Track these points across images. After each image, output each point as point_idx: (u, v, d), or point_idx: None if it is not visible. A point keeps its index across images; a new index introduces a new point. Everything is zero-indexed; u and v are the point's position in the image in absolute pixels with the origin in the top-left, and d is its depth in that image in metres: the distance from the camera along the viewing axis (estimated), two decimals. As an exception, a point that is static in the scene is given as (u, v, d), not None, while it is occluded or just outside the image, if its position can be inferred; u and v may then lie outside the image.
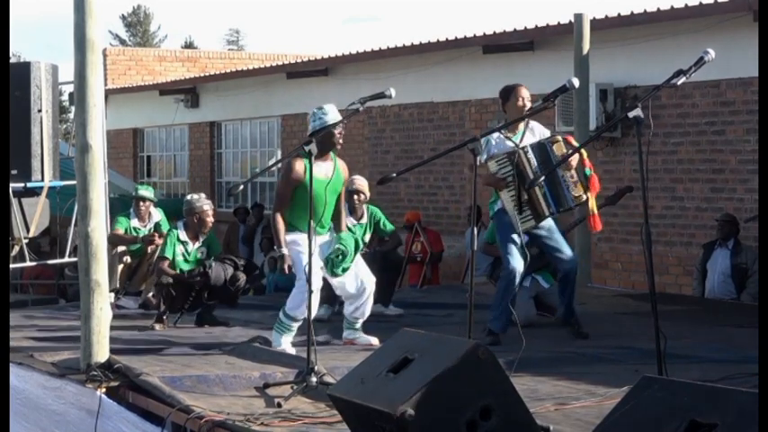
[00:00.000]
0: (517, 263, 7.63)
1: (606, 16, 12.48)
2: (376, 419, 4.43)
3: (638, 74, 12.47)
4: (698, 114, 12.00)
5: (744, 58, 10.61)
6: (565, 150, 7.62)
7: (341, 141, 7.35)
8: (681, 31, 11.78)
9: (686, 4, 11.70)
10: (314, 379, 5.92)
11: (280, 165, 18.41)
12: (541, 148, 7.62)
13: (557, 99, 6.86)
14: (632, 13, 12.24)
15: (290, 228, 7.28)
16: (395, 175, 7.06)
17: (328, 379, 5.91)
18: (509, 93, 7.74)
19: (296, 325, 7.30)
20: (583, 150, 7.69)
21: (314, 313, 7.02)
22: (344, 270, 7.36)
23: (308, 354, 6.01)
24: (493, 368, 4.45)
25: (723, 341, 7.82)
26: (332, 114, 7.21)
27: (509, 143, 7.71)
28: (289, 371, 6.41)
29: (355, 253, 7.47)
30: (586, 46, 10.96)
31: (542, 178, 7.20)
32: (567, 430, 5.08)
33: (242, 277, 8.90)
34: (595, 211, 7.88)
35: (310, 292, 6.39)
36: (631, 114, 5.36)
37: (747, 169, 11.37)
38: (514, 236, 7.66)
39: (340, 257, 7.33)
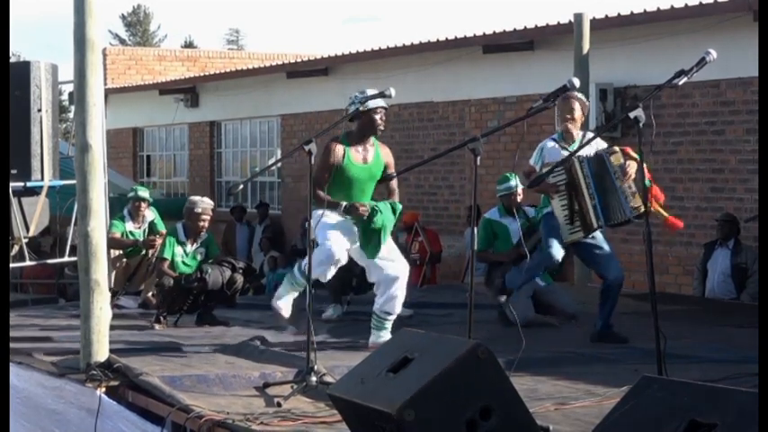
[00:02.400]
0: (556, 253, 7.68)
1: (606, 16, 12.48)
2: (376, 419, 4.43)
3: (638, 74, 12.47)
4: (698, 114, 12.00)
5: (744, 58, 10.61)
6: (622, 161, 7.61)
7: (382, 127, 7.16)
8: (681, 31, 11.78)
9: (686, 4, 11.70)
10: (314, 378, 5.92)
11: (279, 164, 18.55)
12: (599, 160, 7.62)
13: (557, 99, 6.85)
14: (632, 13, 12.24)
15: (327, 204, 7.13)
16: (395, 174, 7.07)
17: (328, 379, 5.91)
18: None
19: (302, 283, 7.12)
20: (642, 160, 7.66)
21: (328, 273, 7.05)
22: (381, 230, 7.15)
23: (308, 353, 6.01)
24: (493, 368, 4.45)
25: (723, 341, 7.82)
26: (375, 99, 7.07)
27: (564, 152, 7.70)
28: (289, 370, 6.41)
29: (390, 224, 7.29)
30: (586, 46, 10.96)
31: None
32: (567, 430, 5.08)
33: (239, 279, 8.90)
34: (667, 215, 7.82)
35: (310, 291, 6.39)
36: (632, 114, 5.36)
37: (747, 169, 11.37)
38: (560, 239, 7.69)
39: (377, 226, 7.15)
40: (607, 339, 7.77)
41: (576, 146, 7.70)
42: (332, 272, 7.14)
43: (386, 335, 7.26)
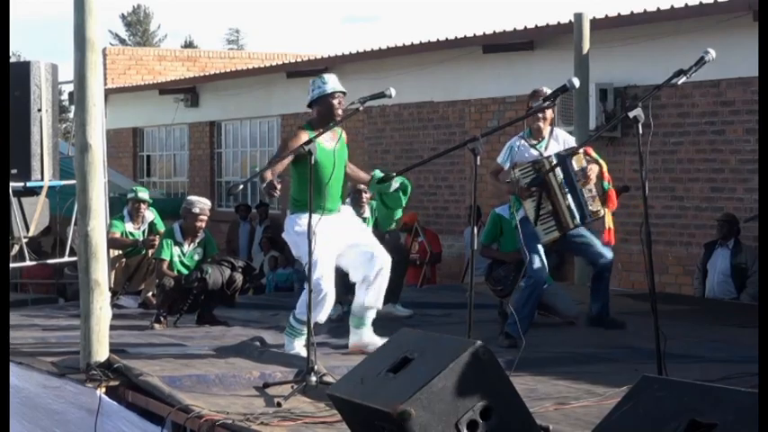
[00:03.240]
0: (541, 272, 7.60)
1: (606, 16, 12.48)
2: (376, 419, 4.43)
3: (638, 74, 12.47)
4: (698, 114, 12.00)
5: (744, 58, 10.61)
6: (584, 163, 7.61)
7: (340, 112, 6.92)
8: (681, 31, 11.78)
9: (686, 4, 11.70)
10: (314, 379, 5.92)
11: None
12: (560, 161, 7.60)
13: (557, 99, 6.85)
14: (632, 13, 12.24)
15: (297, 205, 6.97)
16: (395, 174, 7.07)
17: (328, 379, 5.91)
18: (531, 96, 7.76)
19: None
20: (603, 163, 7.68)
21: (327, 312, 6.85)
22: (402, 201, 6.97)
23: (308, 353, 6.01)
24: (493, 368, 4.45)
25: (723, 341, 7.82)
26: (331, 83, 6.97)
27: (533, 151, 7.71)
28: (289, 370, 6.41)
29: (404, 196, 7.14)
30: (586, 46, 10.95)
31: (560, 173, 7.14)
32: (567, 430, 5.08)
33: (238, 278, 8.90)
34: (611, 226, 7.85)
35: (310, 291, 6.38)
36: (632, 114, 5.36)
37: (747, 169, 11.37)
38: (539, 245, 7.62)
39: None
40: (604, 324, 7.83)
41: (544, 143, 7.72)
42: (326, 314, 6.92)
43: (368, 331, 7.14)
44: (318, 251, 6.47)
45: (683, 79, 5.45)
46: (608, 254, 7.87)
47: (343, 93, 7.02)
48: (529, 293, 7.64)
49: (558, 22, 13.12)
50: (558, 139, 7.78)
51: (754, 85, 10.99)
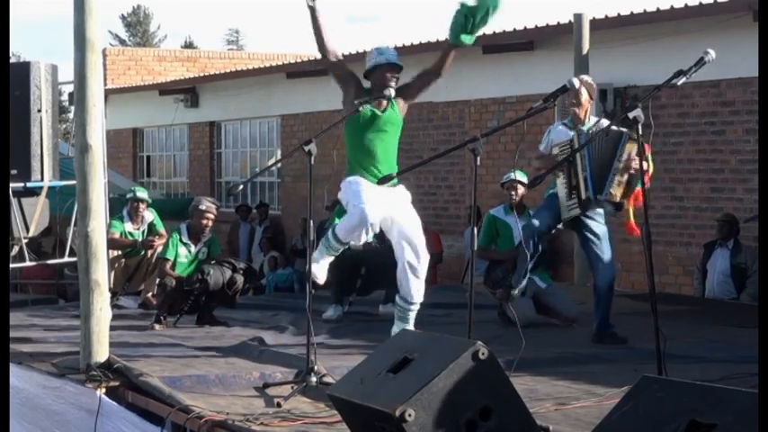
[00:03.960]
0: (540, 220, 7.68)
1: (606, 16, 12.48)
2: (376, 419, 4.43)
3: (638, 74, 12.46)
4: (698, 114, 12.00)
5: (744, 58, 10.61)
6: (633, 154, 7.58)
7: (392, 84, 7.07)
8: (681, 31, 11.78)
9: (686, 4, 11.70)
10: (314, 379, 5.92)
11: (279, 164, 18.55)
12: (616, 136, 7.54)
13: (557, 99, 6.85)
14: (632, 13, 12.24)
15: (352, 169, 6.92)
16: (395, 174, 7.07)
17: (328, 379, 5.91)
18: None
19: (341, 248, 6.86)
20: (651, 167, 7.62)
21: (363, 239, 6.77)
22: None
23: (308, 354, 6.01)
24: (493, 368, 4.45)
25: (723, 341, 7.82)
26: (387, 54, 7.15)
27: (570, 133, 7.72)
28: (289, 371, 6.41)
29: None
30: (586, 46, 10.95)
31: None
32: (567, 430, 5.07)
33: (239, 279, 8.91)
34: (632, 218, 7.81)
35: (310, 291, 6.38)
36: (632, 114, 5.35)
37: (747, 169, 11.37)
38: (546, 215, 7.70)
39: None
40: (605, 340, 7.77)
41: (588, 125, 7.71)
42: (364, 237, 6.76)
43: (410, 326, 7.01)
44: (367, 198, 6.65)
45: (682, 80, 5.45)
46: (608, 275, 7.76)
47: (396, 66, 7.19)
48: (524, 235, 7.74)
49: (558, 23, 13.12)
50: (601, 126, 7.76)
51: (754, 85, 10.98)
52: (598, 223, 7.79)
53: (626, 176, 7.60)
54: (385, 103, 7.04)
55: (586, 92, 7.80)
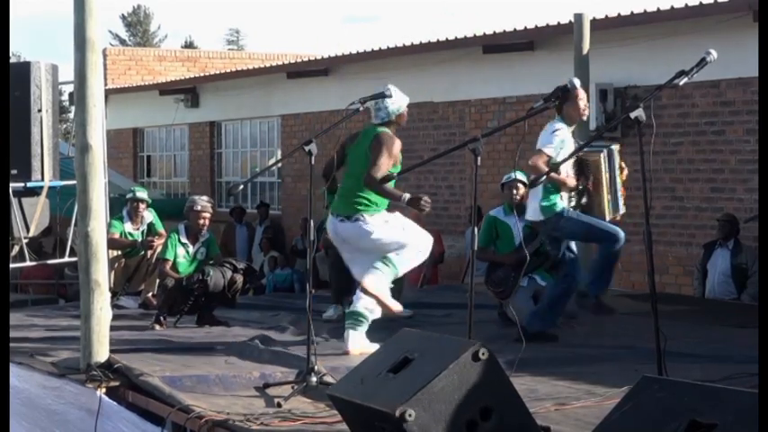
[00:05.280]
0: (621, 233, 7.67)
1: (606, 16, 12.47)
2: (376, 419, 4.43)
3: (638, 74, 12.46)
4: (698, 114, 12.00)
5: (744, 58, 10.60)
6: (620, 161, 7.65)
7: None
8: (681, 31, 11.78)
9: (686, 4, 11.70)
10: (314, 379, 5.92)
11: (279, 164, 18.55)
12: (610, 155, 7.62)
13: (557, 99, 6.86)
14: (632, 13, 12.24)
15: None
16: (395, 174, 7.07)
17: (328, 379, 5.91)
18: (568, 93, 7.53)
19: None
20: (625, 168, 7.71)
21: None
22: None
23: (308, 354, 6.01)
24: (493, 368, 4.45)
25: (723, 341, 7.82)
26: (396, 97, 7.41)
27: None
28: (289, 371, 6.41)
29: None
30: (586, 46, 10.94)
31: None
32: (567, 430, 5.08)
33: (239, 279, 8.90)
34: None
35: (310, 291, 6.39)
36: (633, 114, 5.35)
37: (747, 169, 11.37)
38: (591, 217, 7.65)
39: None
40: (599, 309, 7.89)
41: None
42: None
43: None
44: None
45: (684, 80, 5.44)
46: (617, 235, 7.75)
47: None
48: (563, 290, 7.83)
49: (558, 23, 13.11)
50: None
51: (754, 85, 10.98)
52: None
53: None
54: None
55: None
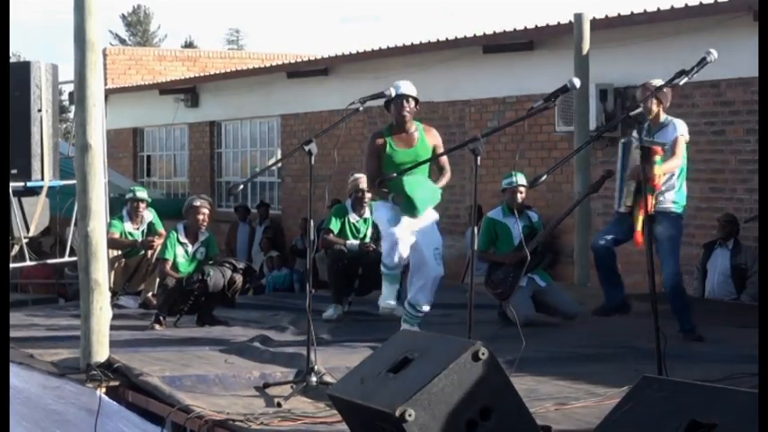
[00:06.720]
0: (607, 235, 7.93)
1: (606, 16, 12.47)
2: (376, 419, 4.43)
3: (638, 74, 12.43)
4: (698, 114, 11.99)
5: (744, 58, 10.60)
6: (638, 161, 7.58)
7: (405, 114, 7.59)
8: (681, 31, 11.78)
9: (686, 4, 11.69)
10: (314, 379, 5.92)
11: (279, 164, 18.55)
12: (644, 152, 7.57)
13: (557, 99, 6.84)
14: (632, 13, 12.24)
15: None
16: (395, 174, 7.07)
17: (328, 379, 5.91)
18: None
19: (393, 272, 7.74)
20: (659, 172, 7.58)
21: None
22: None
23: (308, 354, 6.01)
24: (493, 368, 4.45)
25: (723, 341, 7.82)
26: (403, 89, 7.53)
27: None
28: (289, 371, 6.41)
29: None
30: (586, 46, 10.95)
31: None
32: (567, 430, 5.08)
33: (239, 279, 8.90)
34: (638, 228, 7.76)
35: (310, 291, 6.39)
36: (633, 113, 5.36)
37: (747, 169, 11.37)
38: (617, 228, 7.81)
39: None
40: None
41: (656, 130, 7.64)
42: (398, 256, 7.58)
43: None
44: (395, 221, 7.57)
45: (684, 80, 5.45)
46: (665, 274, 7.86)
47: (411, 97, 7.62)
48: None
49: (558, 23, 13.11)
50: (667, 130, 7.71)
51: (754, 85, 10.98)
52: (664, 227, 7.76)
53: (633, 185, 7.60)
54: (416, 138, 7.78)
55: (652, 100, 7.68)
